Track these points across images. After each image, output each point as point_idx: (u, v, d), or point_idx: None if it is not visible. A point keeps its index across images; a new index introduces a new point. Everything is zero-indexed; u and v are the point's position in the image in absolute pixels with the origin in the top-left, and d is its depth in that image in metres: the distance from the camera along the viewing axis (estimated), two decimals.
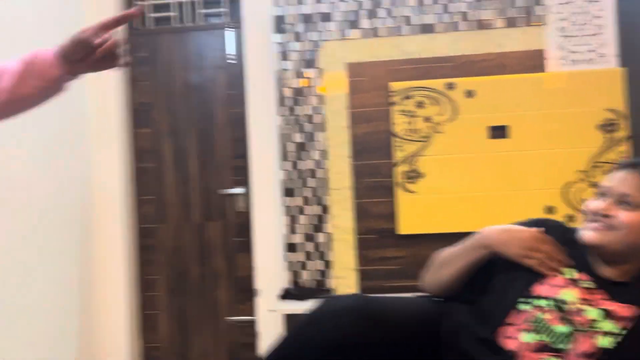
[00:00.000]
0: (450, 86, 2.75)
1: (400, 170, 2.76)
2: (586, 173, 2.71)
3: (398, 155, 2.77)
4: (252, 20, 2.95)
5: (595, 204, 1.24)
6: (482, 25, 2.80)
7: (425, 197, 2.75)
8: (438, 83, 2.76)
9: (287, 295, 2.79)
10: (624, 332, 1.09)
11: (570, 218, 2.70)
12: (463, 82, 2.75)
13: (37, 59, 1.05)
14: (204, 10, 3.14)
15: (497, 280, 1.25)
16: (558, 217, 2.71)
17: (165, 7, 3.14)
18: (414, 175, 2.76)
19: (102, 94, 2.99)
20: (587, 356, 1.08)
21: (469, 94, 2.75)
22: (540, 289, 1.17)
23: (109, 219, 2.97)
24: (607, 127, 2.71)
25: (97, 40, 1.02)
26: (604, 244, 1.18)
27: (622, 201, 1.17)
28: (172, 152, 3.06)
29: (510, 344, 1.14)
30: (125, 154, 3.03)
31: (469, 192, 2.74)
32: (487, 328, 1.18)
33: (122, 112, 3.04)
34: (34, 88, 1.05)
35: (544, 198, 2.72)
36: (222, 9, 3.14)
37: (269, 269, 2.92)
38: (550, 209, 2.71)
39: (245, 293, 3.04)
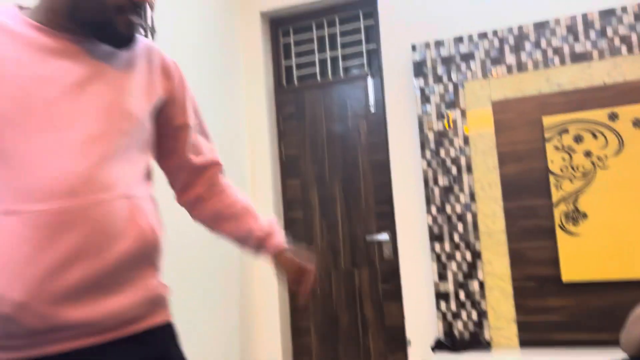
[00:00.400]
0: (614, 116, 2.49)
1: (559, 210, 2.54)
2: None
3: (556, 194, 2.55)
4: (391, 68, 2.99)
5: None
6: None
7: (591, 239, 2.48)
8: (598, 114, 2.52)
9: (439, 346, 2.66)
10: None
11: None
12: (628, 111, 2.48)
13: (263, 244, 1.30)
14: (345, 63, 3.27)
15: None
16: None
17: (310, 64, 3.32)
18: (575, 216, 2.51)
19: (254, 147, 3.22)
20: None
21: (637, 123, 2.46)
22: None
23: (265, 267, 3.12)
24: None
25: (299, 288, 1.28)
26: None
27: None
28: (318, 201, 3.16)
29: None
30: (277, 204, 3.20)
31: None
32: None
33: (273, 164, 3.23)
34: (239, 244, 1.33)
35: None
36: (362, 60, 3.23)
37: (420, 318, 2.82)
38: None
39: (396, 342, 2.96)
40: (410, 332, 2.84)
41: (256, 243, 1.27)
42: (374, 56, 3.21)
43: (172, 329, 1.11)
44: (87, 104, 0.97)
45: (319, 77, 3.30)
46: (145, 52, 1.11)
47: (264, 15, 3.32)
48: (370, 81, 3.15)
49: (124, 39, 1.02)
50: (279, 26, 3.41)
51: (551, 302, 2.56)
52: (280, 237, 1.29)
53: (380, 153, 3.08)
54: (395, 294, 2.97)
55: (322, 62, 3.32)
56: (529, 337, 2.57)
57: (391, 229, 3.00)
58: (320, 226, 3.17)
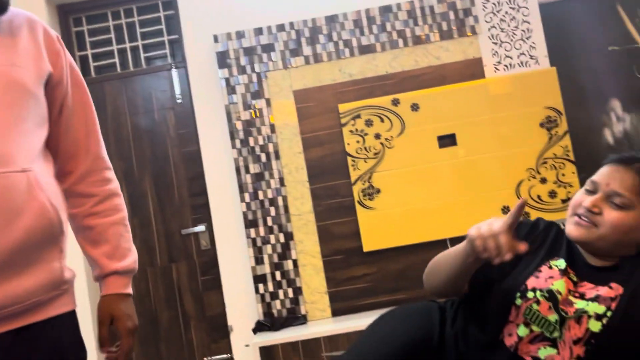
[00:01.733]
0: (396, 102, 2.83)
1: (357, 188, 2.81)
2: (535, 170, 2.81)
3: (354, 174, 2.81)
4: (195, 59, 2.98)
5: (581, 198, 1.18)
6: (418, 40, 2.91)
7: (385, 212, 2.79)
8: (383, 100, 2.83)
9: (260, 327, 2.76)
10: (610, 312, 1.08)
11: (526, 215, 2.78)
12: (407, 97, 2.83)
13: (102, 280, 1.18)
14: (146, 54, 3.16)
15: (494, 279, 1.21)
16: None
17: (108, 54, 3.14)
18: (371, 192, 2.81)
19: None
20: (580, 341, 1.08)
21: (414, 107, 2.83)
22: (534, 281, 1.16)
23: None
24: (549, 124, 2.83)
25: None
26: (587, 241, 1.14)
27: (611, 200, 1.13)
28: (128, 198, 3.02)
29: (509, 340, 1.14)
30: None
31: (427, 202, 2.80)
32: (488, 333, 1.17)
33: None
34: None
35: (500, 199, 2.80)
36: (164, 51, 3.16)
37: (240, 303, 2.89)
38: (506, 209, 2.79)
39: (218, 331, 2.99)
40: (231, 319, 2.90)
41: (97, 275, 1.17)
42: (177, 46, 3.16)
43: (74, 319, 1.05)
44: None
45: (118, 68, 3.14)
46: (26, 22, 1.04)
47: (50, 2, 3.04)
48: (175, 72, 3.09)
49: None
50: (69, 14, 3.15)
51: (356, 271, 2.83)
52: (117, 285, 1.17)
53: (191, 144, 3.06)
54: (215, 283, 2.99)
55: (122, 53, 3.16)
56: (339, 306, 2.81)
57: (207, 220, 3.01)
58: (132, 224, 3.04)
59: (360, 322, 2.54)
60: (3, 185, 0.89)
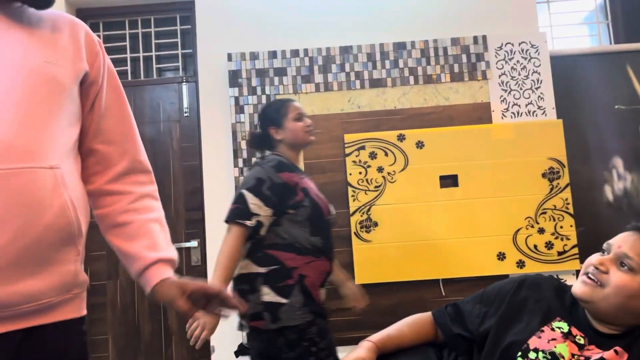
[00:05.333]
0: (401, 137, 2.84)
1: (355, 219, 2.79)
2: (534, 219, 2.81)
3: (353, 204, 2.80)
4: (206, 74, 3.00)
5: (593, 257, 1.19)
6: (429, 80, 2.94)
7: (381, 246, 2.78)
8: (389, 134, 2.85)
9: (243, 351, 2.70)
10: None
11: (521, 264, 2.77)
12: (413, 134, 2.85)
13: (144, 273, 1.08)
14: (158, 65, 3.18)
15: (493, 337, 1.21)
16: (509, 262, 2.77)
17: (121, 61, 3.16)
18: (368, 225, 2.79)
19: None
20: None
21: (419, 144, 2.84)
22: (536, 342, 1.15)
23: None
24: (551, 175, 2.84)
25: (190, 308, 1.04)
26: (591, 300, 1.14)
27: (621, 261, 1.13)
28: None
29: None
30: None
31: (423, 241, 2.78)
32: None
33: None
34: (127, 268, 1.12)
35: (497, 244, 2.79)
36: (177, 64, 3.18)
37: (225, 324, 2.83)
38: (502, 255, 2.78)
39: (200, 350, 2.93)
40: (214, 338, 2.84)
41: (140, 269, 1.08)
42: (190, 61, 3.18)
43: (82, 325, 1.02)
44: (9, 69, 0.91)
45: (130, 76, 3.16)
46: (69, 23, 1.06)
47: (71, 4, 3.07)
48: (185, 85, 3.11)
49: None
50: (87, 19, 3.18)
51: (345, 303, 2.79)
52: (167, 270, 1.09)
53: (193, 159, 3.05)
54: None
55: (135, 61, 3.18)
56: None
57: (201, 236, 2.99)
58: None
59: (345, 354, 2.49)
60: (29, 181, 0.89)
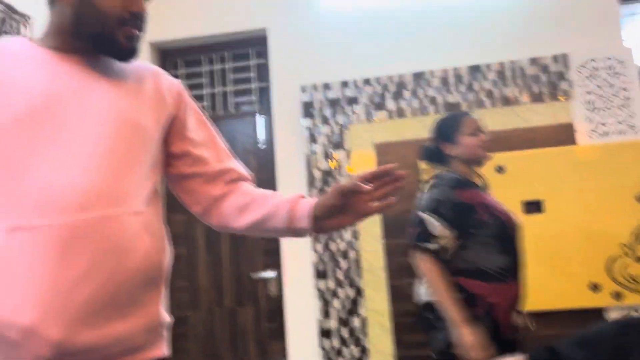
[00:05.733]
0: None
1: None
2: (629, 247, 2.60)
3: None
4: (280, 107, 3.06)
5: None
6: (507, 101, 2.83)
7: None
8: None
9: None
10: None
11: (618, 295, 2.56)
12: (492, 158, 2.73)
13: (294, 208, 1.08)
14: (235, 99, 3.28)
15: None
16: (604, 294, 2.57)
17: (199, 98, 3.29)
18: None
19: None
20: None
21: (500, 169, 2.73)
22: None
23: None
24: None
25: (365, 188, 1.01)
26: None
27: None
28: (204, 237, 3.08)
29: None
30: None
31: None
32: None
33: None
34: (274, 230, 1.12)
35: (587, 274, 2.61)
36: (252, 97, 3.27)
37: (303, 356, 2.82)
38: (595, 286, 2.59)
39: None
40: None
41: (288, 208, 1.07)
42: (264, 94, 3.26)
43: None
44: (98, 119, 0.96)
45: (208, 111, 3.28)
46: (152, 73, 1.13)
47: (153, 45, 3.25)
48: (259, 118, 3.18)
49: (125, 51, 1.04)
50: (168, 58, 3.35)
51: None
52: (304, 202, 1.09)
53: (268, 189, 3.09)
54: (279, 332, 2.94)
55: (212, 96, 3.31)
56: None
57: (277, 266, 3.00)
58: (205, 263, 3.09)
59: None
60: (116, 227, 0.92)
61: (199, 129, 1.18)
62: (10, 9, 2.15)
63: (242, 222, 1.13)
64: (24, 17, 2.23)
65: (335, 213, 1.05)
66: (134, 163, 0.99)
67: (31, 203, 0.88)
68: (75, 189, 0.90)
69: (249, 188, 1.18)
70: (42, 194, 0.88)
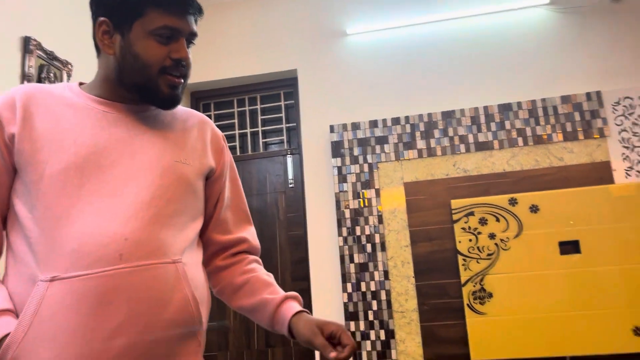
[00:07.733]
0: (513, 202, 2.69)
1: (467, 289, 2.64)
2: None
3: (464, 274, 2.66)
4: (310, 146, 3.08)
5: None
6: (540, 140, 2.80)
7: (497, 319, 2.58)
8: (500, 199, 2.71)
9: None
10: None
11: None
12: (526, 197, 2.68)
13: (278, 312, 1.12)
14: (264, 140, 3.32)
15: None
16: None
17: (230, 138, 3.35)
18: (482, 296, 2.62)
19: None
20: None
21: (533, 208, 2.67)
22: None
23: None
24: None
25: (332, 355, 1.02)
26: None
27: None
28: None
29: None
30: None
31: (544, 313, 2.55)
32: None
33: None
34: (260, 322, 1.17)
35: (631, 318, 2.49)
36: (282, 137, 3.31)
37: None
38: (638, 330, 2.47)
39: None
40: None
41: (271, 310, 1.12)
42: (294, 134, 3.30)
43: None
44: (141, 169, 0.98)
45: (238, 151, 3.32)
46: (198, 123, 1.15)
47: (186, 89, 3.34)
48: (289, 158, 3.21)
49: (168, 100, 1.05)
50: (200, 100, 3.43)
51: None
52: (297, 305, 1.14)
53: (298, 229, 3.09)
54: None
55: (243, 137, 3.36)
56: None
57: (307, 306, 2.96)
58: None
59: None
60: (153, 276, 0.93)
61: (229, 188, 1.21)
62: (52, 55, 2.25)
63: (233, 303, 1.18)
64: (65, 64, 2.33)
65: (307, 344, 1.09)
66: (175, 213, 1.00)
67: (70, 253, 0.89)
68: (115, 239, 0.91)
69: (249, 266, 1.20)
70: (81, 244, 0.89)
